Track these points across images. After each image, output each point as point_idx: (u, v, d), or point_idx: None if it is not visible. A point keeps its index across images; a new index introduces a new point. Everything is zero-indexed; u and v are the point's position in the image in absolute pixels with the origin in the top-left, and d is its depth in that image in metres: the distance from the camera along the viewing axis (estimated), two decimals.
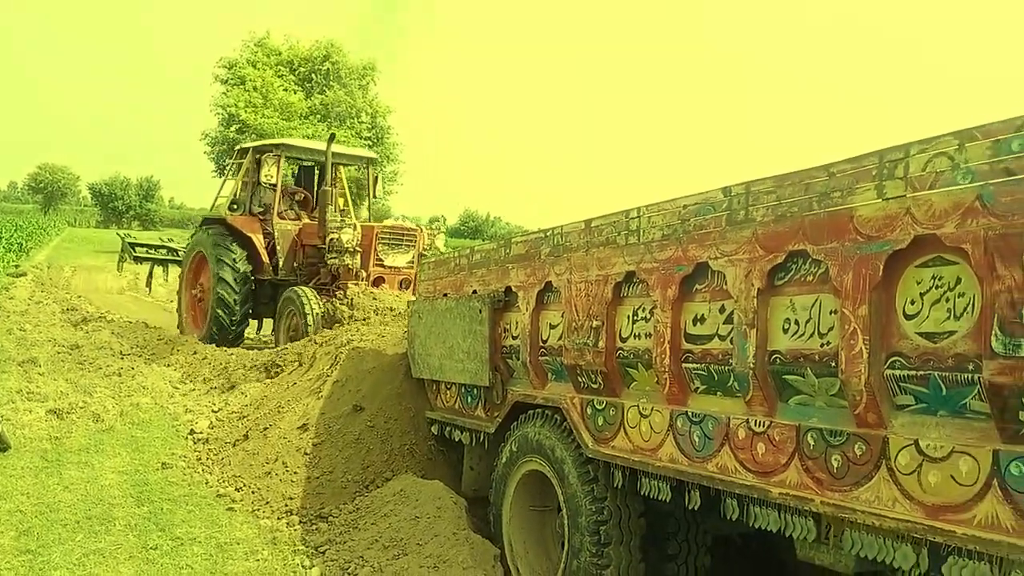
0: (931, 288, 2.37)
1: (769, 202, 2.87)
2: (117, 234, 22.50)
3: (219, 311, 9.97)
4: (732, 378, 3.01)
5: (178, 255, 16.57)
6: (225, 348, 9.14)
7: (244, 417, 6.39)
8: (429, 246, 10.07)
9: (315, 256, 10.39)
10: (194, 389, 7.55)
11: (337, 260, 9.61)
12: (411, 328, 5.77)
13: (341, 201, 11.49)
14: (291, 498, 5.11)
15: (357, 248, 9.66)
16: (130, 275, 18.99)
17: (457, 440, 5.32)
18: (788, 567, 3.80)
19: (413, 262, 9.84)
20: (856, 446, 2.52)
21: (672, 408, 3.29)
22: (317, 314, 8.85)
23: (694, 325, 3.23)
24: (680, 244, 3.24)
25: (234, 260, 10.07)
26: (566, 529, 3.95)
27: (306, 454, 5.47)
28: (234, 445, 5.85)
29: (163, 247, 19.60)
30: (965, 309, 2.26)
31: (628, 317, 3.59)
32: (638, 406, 3.49)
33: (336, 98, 33.18)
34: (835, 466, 2.58)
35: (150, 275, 17.75)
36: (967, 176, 2.21)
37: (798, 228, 2.73)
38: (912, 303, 2.42)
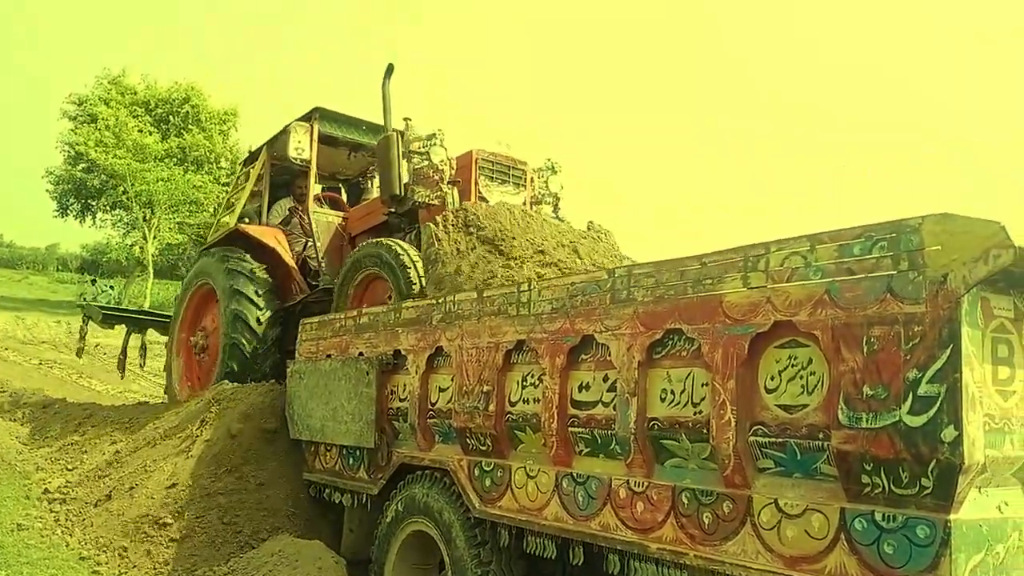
0: (788, 366, 2.76)
1: (649, 284, 3.22)
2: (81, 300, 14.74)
3: (231, 363, 7.12)
4: (614, 442, 3.30)
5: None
6: (80, 402, 8.64)
7: (105, 476, 6.11)
8: (543, 189, 6.94)
9: None
10: (45, 446, 7.13)
11: (426, 194, 6.24)
12: (291, 389, 5.77)
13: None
14: (161, 561, 4.96)
15: (453, 177, 6.38)
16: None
17: (337, 502, 5.34)
18: None
19: (526, 206, 6.44)
20: (725, 504, 2.85)
21: (558, 469, 3.54)
22: (418, 265, 5.77)
23: (580, 392, 3.51)
24: (568, 317, 3.53)
25: (256, 290, 7.25)
26: None
27: (176, 514, 5.31)
28: (96, 505, 5.60)
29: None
30: (816, 386, 2.65)
31: (517, 383, 3.84)
32: (525, 467, 3.72)
33: (194, 142, 32.23)
34: (706, 522, 2.90)
35: (124, 351, 10.61)
36: (817, 273, 2.63)
37: (674, 309, 3.09)
38: (772, 379, 2.80)
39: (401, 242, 6.16)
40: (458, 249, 5.04)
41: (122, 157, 29.03)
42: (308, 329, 5.84)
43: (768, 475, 2.79)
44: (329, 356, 5.41)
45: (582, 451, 3.51)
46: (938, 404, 2.28)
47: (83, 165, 29.62)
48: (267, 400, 6.26)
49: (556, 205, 6.76)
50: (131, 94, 32.32)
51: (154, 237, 30.76)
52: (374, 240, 6.42)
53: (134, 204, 30.02)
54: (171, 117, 32.89)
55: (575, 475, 3.45)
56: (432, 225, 5.28)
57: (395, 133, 6.52)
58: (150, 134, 31.06)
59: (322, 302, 7.16)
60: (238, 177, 8.87)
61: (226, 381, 6.81)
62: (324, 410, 5.27)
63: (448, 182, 6.18)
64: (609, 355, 3.33)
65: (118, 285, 30.40)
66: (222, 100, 34.62)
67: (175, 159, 31.30)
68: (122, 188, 29.58)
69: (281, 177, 8.26)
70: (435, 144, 6.31)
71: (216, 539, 5.17)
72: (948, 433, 2.25)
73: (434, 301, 4.44)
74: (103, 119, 29.87)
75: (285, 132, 7.62)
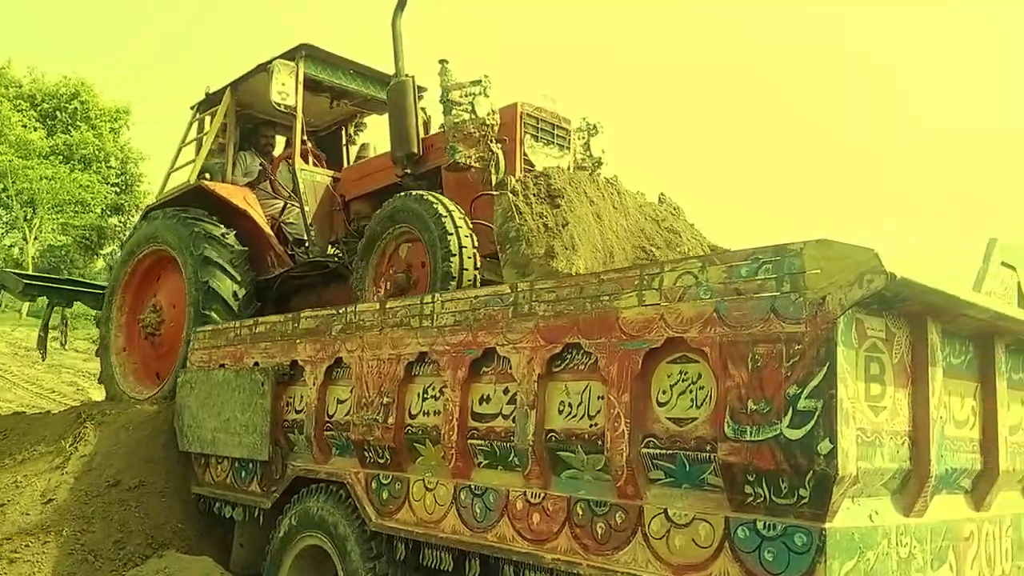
0: (679, 381, 2.87)
1: (550, 299, 3.28)
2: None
3: None
4: (513, 453, 3.34)
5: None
6: None
7: None
8: (584, 152, 5.88)
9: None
10: None
11: (470, 154, 4.95)
12: (181, 399, 5.56)
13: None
14: None
15: (498, 135, 5.08)
16: None
17: (228, 516, 5.18)
18: None
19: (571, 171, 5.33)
20: (617, 515, 2.93)
21: (457, 482, 3.55)
22: (467, 236, 4.67)
23: (480, 404, 3.54)
24: (471, 330, 3.56)
25: (231, 259, 6.10)
26: None
27: (52, 531, 5.03)
28: None
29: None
30: (704, 400, 2.77)
31: (418, 395, 3.84)
32: (423, 480, 3.72)
33: (83, 139, 30.72)
34: (599, 533, 2.97)
35: (45, 327, 8.91)
36: (708, 292, 2.75)
37: (574, 324, 3.16)
38: (664, 392, 2.90)
39: (450, 202, 4.88)
40: (545, 225, 4.14)
41: (3, 153, 27.36)
42: (201, 338, 5.65)
43: (659, 486, 2.88)
44: (223, 366, 5.26)
45: (481, 463, 3.53)
46: (815, 418, 2.42)
47: None
48: (146, 413, 6.01)
49: (596, 170, 5.76)
50: (16, 87, 30.58)
51: (35, 238, 29.07)
52: (411, 192, 5.10)
53: (14, 203, 28.29)
54: (58, 113, 31.29)
55: (473, 487, 3.47)
56: (511, 195, 4.28)
57: (410, 79, 5.54)
58: (35, 130, 29.44)
59: (306, 277, 6.29)
60: (190, 124, 7.34)
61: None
62: (216, 421, 5.11)
63: (495, 140, 5.03)
64: (510, 368, 3.37)
65: None
66: (115, 97, 33.19)
67: (61, 157, 29.74)
68: (2, 185, 27.86)
69: (242, 126, 7.11)
70: (480, 94, 5.05)
71: (98, 556, 4.92)
72: (824, 446, 2.40)
73: (334, 311, 4.39)
74: None
75: (263, 71, 6.37)
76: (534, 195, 4.24)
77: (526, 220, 4.12)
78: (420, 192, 5.01)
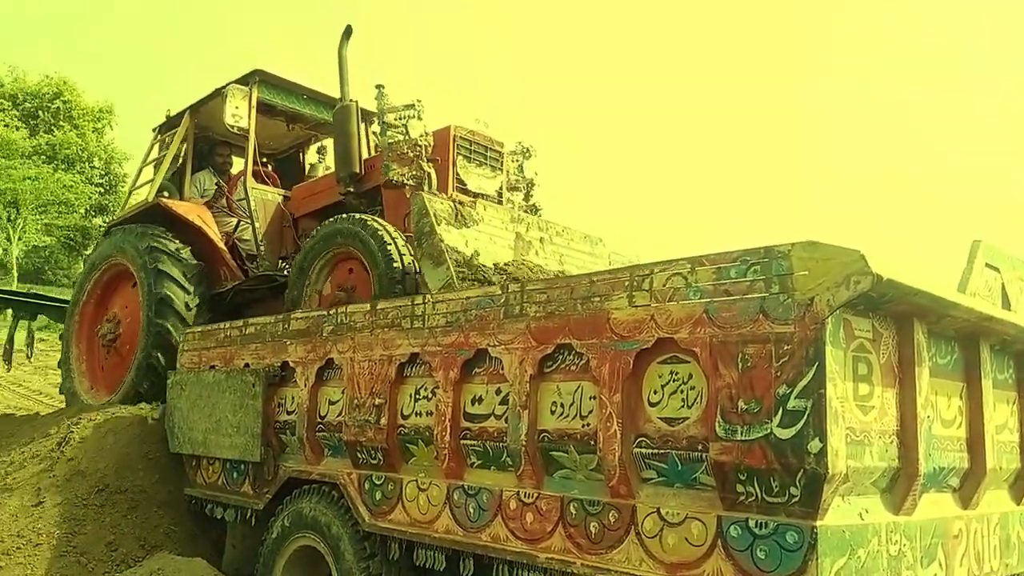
0: (670, 381, 2.90)
1: (541, 300, 3.31)
2: None
3: (156, 353, 6.25)
4: (505, 454, 3.37)
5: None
6: None
7: None
8: (517, 174, 6.31)
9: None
10: None
11: (403, 172, 5.33)
12: (171, 400, 5.56)
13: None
14: None
15: (431, 155, 5.45)
16: None
17: (220, 517, 5.17)
18: None
19: (501, 192, 5.95)
20: (610, 514, 2.96)
21: (450, 482, 3.57)
22: (402, 253, 4.96)
23: (472, 405, 3.56)
24: (462, 331, 3.58)
25: (183, 272, 6.45)
26: None
27: (43, 534, 5.01)
28: None
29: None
30: (696, 400, 2.80)
31: (410, 396, 3.85)
32: (416, 480, 3.74)
33: (66, 139, 30.49)
34: (593, 532, 3.00)
35: (10, 340, 9.46)
36: (697, 293, 2.78)
37: (565, 324, 3.19)
38: (655, 393, 2.93)
39: (377, 218, 5.37)
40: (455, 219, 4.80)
41: None
42: (191, 339, 5.64)
43: (651, 485, 2.91)
44: (213, 367, 5.25)
45: (474, 463, 3.55)
46: (805, 418, 2.46)
47: None
48: (134, 415, 6.00)
49: (529, 193, 6.32)
50: None
51: (19, 239, 28.82)
52: (346, 215, 5.47)
53: None
54: (41, 112, 31.05)
55: (466, 487, 3.49)
56: (423, 195, 4.82)
57: (354, 103, 5.96)
58: (17, 129, 29.19)
59: (257, 290, 6.59)
60: (152, 145, 7.82)
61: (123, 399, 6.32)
62: (207, 423, 5.10)
63: (427, 160, 5.38)
64: (502, 368, 3.40)
65: None
66: (99, 96, 32.96)
67: (44, 157, 29.50)
68: None
69: (200, 146, 7.47)
70: (414, 116, 5.41)
71: (90, 558, 4.91)
72: (814, 445, 2.43)
73: (324, 312, 4.40)
74: None
75: (219, 96, 6.75)
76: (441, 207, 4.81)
77: (438, 217, 4.68)
78: (350, 215, 5.41)
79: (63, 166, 29.89)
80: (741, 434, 2.59)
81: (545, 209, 6.31)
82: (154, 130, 7.81)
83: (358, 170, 5.84)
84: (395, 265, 4.87)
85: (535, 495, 3.23)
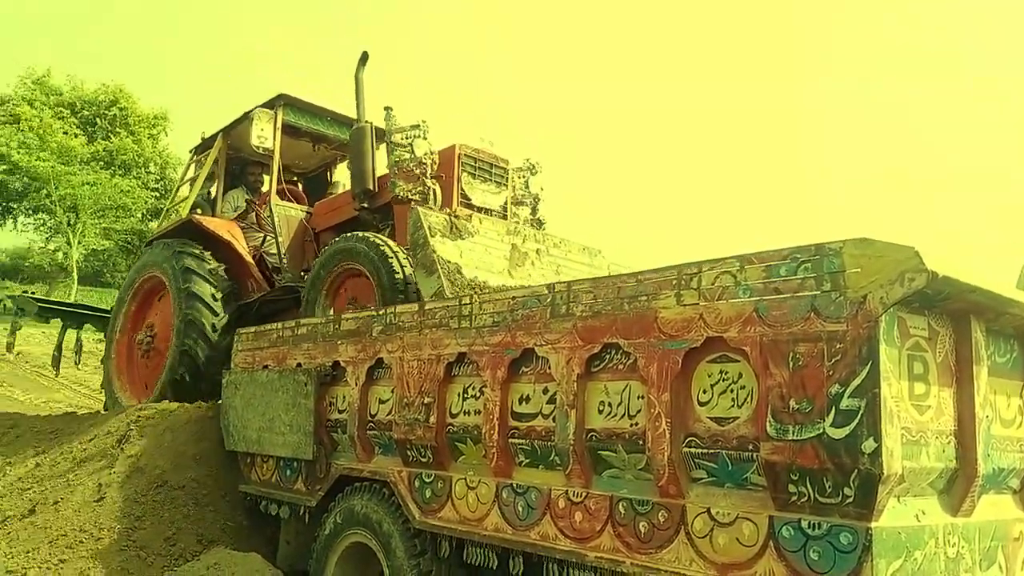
0: (719, 380, 2.87)
1: (587, 300, 3.31)
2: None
3: (181, 370, 6.77)
4: (553, 453, 3.38)
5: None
6: (3, 412, 8.29)
7: (27, 489, 5.93)
8: (523, 190, 6.62)
9: None
10: None
11: (408, 188, 5.70)
12: (226, 399, 5.69)
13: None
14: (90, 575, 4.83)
15: (435, 172, 5.82)
16: None
17: (274, 514, 5.28)
18: None
19: (506, 207, 6.25)
20: (660, 514, 2.95)
21: (498, 480, 3.60)
22: (406, 270, 5.36)
23: (520, 404, 3.58)
24: (509, 331, 3.60)
25: (214, 293, 6.86)
26: None
27: (105, 528, 5.18)
28: (21, 519, 5.41)
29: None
30: (746, 399, 2.77)
31: (458, 395, 3.89)
32: (465, 479, 3.77)
33: (123, 145, 31.30)
34: (642, 531, 2.99)
35: (59, 347, 10.03)
36: (747, 292, 2.75)
37: (612, 324, 3.18)
38: (704, 392, 2.91)
39: (379, 235, 5.81)
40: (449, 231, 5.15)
41: (46, 160, 27.96)
42: (244, 339, 5.77)
43: (701, 485, 2.89)
44: (266, 367, 5.36)
45: (522, 462, 3.57)
46: (859, 417, 2.42)
47: (4, 167, 28.38)
48: (191, 413, 6.16)
49: (535, 207, 6.63)
50: (56, 95, 31.24)
51: (78, 242, 29.72)
52: (350, 234, 5.91)
53: (58, 208, 28.94)
54: (98, 120, 31.89)
55: (515, 486, 3.51)
56: (419, 208, 5.13)
57: (368, 124, 6.31)
58: (76, 136, 30.05)
59: (281, 301, 6.94)
60: (188, 165, 8.55)
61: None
62: (261, 421, 5.21)
63: (431, 177, 5.74)
64: (549, 368, 3.40)
65: (40, 291, 29.24)
66: (153, 103, 33.79)
67: (102, 163, 30.34)
68: (45, 191, 28.52)
69: (233, 166, 7.95)
70: (419, 136, 5.82)
71: (149, 553, 5.06)
72: (868, 445, 2.39)
73: (373, 313, 4.46)
74: (26, 120, 28.74)
75: (246, 119, 7.20)
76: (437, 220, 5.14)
77: (432, 230, 5.00)
78: (354, 232, 5.88)
79: (120, 172, 30.65)
80: (793, 434, 2.56)
81: (549, 221, 6.65)
82: (190, 151, 8.41)
83: (371, 187, 6.23)
84: (397, 276, 5.28)
85: (584, 494, 3.23)
